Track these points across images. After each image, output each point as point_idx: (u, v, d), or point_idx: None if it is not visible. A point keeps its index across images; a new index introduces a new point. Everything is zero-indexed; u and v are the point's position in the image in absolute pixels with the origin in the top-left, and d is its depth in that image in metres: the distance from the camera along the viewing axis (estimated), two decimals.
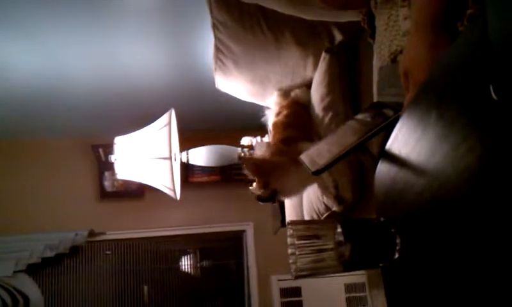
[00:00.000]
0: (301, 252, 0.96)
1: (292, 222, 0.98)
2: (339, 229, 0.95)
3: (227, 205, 4.17)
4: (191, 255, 4.35)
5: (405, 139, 0.98)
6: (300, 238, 0.97)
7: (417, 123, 0.93)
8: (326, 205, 2.14)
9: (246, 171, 2.08)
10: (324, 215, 2.16)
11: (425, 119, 0.88)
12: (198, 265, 4.34)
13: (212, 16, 2.32)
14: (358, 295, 3.94)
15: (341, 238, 0.94)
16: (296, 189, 2.17)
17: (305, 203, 2.33)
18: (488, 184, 0.66)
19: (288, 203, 2.64)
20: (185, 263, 4.33)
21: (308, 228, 1.00)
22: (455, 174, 0.76)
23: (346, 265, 0.95)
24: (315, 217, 2.22)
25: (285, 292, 4.01)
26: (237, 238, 4.31)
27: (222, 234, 4.30)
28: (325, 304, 3.94)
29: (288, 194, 2.14)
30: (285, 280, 3.96)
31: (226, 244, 4.37)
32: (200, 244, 4.35)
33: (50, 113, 3.82)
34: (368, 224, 1.00)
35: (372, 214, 1.87)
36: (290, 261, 0.99)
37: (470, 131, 0.70)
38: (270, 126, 2.51)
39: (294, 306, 3.99)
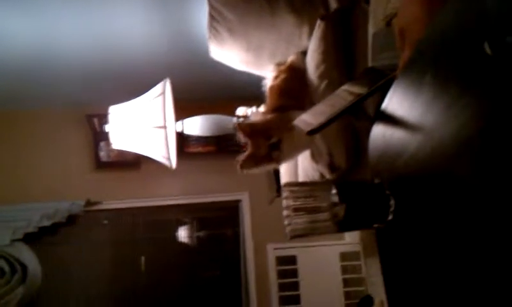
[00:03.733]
0: (296, 213, 0.98)
1: (288, 184, 0.99)
2: (334, 191, 0.97)
3: (223, 175, 4.18)
4: (188, 225, 4.38)
5: (400, 100, 0.98)
6: (295, 199, 0.98)
7: (412, 84, 0.93)
8: (320, 173, 2.16)
9: (240, 136, 2.08)
10: None
11: (420, 79, 0.88)
12: (195, 234, 4.37)
13: None
14: (352, 263, 3.98)
15: (336, 199, 0.95)
16: (292, 154, 2.18)
17: (300, 172, 2.34)
18: (482, 143, 0.67)
19: (284, 172, 2.65)
20: (182, 233, 4.36)
21: (304, 189, 1.01)
22: (448, 134, 0.77)
23: (340, 225, 0.96)
24: None
25: (280, 260, 4.05)
26: (233, 207, 4.34)
27: (218, 204, 4.32)
28: (320, 271, 3.98)
29: (285, 157, 2.13)
30: (280, 249, 3.99)
31: (222, 214, 4.40)
32: (196, 214, 4.38)
33: (43, 83, 3.79)
34: (362, 185, 1.01)
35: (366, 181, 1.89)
36: (286, 222, 1.00)
37: (464, 89, 0.71)
38: (267, 90, 2.50)
39: (290, 273, 4.03)
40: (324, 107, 1.27)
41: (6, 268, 3.65)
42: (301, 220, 0.97)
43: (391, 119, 1.03)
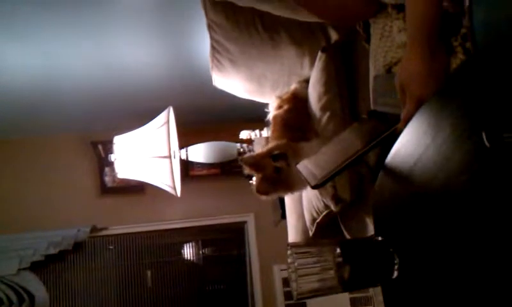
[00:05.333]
0: (302, 274, 0.98)
1: (292, 245, 1.00)
2: (338, 250, 0.97)
3: (228, 197, 4.20)
4: (194, 247, 4.39)
5: (403, 159, 0.99)
6: (300, 259, 0.99)
7: (416, 144, 0.94)
8: (324, 203, 2.16)
9: (246, 169, 2.09)
10: (323, 213, 2.18)
11: (424, 143, 0.89)
12: (201, 257, 4.38)
13: (208, 18, 2.32)
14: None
15: (340, 259, 0.96)
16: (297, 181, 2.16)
17: (304, 201, 2.34)
18: (485, 213, 0.68)
19: (288, 200, 2.66)
20: (188, 256, 4.37)
21: (308, 251, 1.02)
22: (454, 200, 0.78)
23: (345, 286, 0.97)
24: (315, 214, 2.23)
25: (287, 282, 4.04)
26: (238, 229, 4.35)
27: (223, 226, 4.34)
28: None
29: (294, 175, 2.08)
30: (287, 270, 3.98)
31: (228, 235, 4.41)
32: (202, 236, 4.39)
33: (49, 111, 3.83)
34: (366, 244, 1.02)
35: (370, 213, 1.89)
36: (292, 278, 1.01)
37: (467, 168, 0.72)
38: (271, 119, 2.51)
39: None
40: (327, 156, 1.28)
41: (14, 297, 3.66)
42: (307, 281, 0.98)
43: (394, 175, 1.04)
